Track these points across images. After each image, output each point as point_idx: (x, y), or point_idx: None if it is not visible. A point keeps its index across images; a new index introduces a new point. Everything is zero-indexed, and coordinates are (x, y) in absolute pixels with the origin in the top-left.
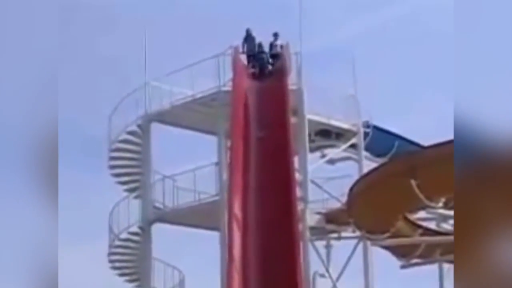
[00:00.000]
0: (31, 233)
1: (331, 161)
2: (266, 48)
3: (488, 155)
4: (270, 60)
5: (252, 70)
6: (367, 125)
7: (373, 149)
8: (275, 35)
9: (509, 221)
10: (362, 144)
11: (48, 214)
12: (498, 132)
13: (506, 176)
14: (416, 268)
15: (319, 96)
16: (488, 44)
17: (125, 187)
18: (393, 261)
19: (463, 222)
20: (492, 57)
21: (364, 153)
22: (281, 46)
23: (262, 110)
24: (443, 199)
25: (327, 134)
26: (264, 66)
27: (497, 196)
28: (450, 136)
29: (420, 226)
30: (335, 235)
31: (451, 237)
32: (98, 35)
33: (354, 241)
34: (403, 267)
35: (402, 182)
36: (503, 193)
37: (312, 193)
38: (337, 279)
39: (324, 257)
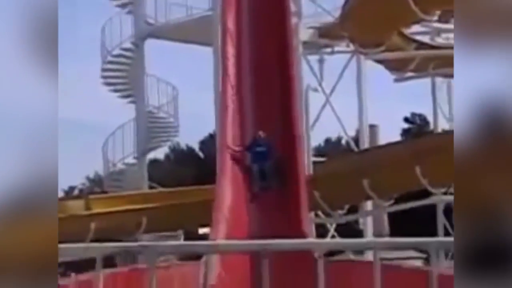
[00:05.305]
0: None
1: None
2: None
3: None
4: None
5: None
6: None
7: None
8: None
9: None
10: None
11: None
12: None
13: None
14: (409, 82)
15: None
16: None
17: (117, 2)
18: (387, 75)
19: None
20: None
21: None
22: None
23: None
24: (438, 12)
25: None
26: None
27: None
28: None
29: (414, 40)
30: (328, 49)
31: (445, 51)
32: None
33: (348, 56)
34: (396, 80)
35: None
36: None
37: (306, 7)
38: (330, 93)
39: (317, 71)
